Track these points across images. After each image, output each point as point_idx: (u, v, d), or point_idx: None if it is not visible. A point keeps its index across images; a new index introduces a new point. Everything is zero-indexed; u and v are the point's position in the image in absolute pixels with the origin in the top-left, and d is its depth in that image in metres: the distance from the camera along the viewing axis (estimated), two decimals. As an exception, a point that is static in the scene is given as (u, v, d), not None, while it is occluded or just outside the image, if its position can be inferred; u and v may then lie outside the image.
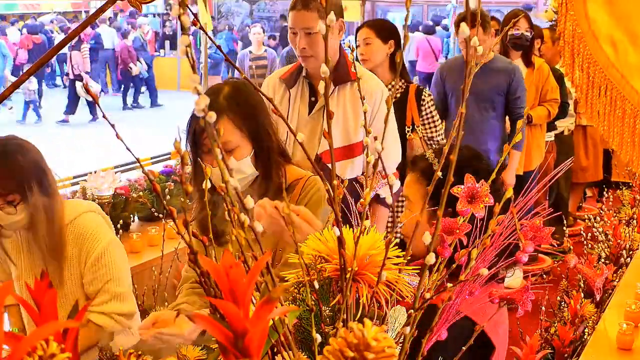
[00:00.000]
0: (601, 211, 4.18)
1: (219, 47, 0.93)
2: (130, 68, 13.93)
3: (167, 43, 17.47)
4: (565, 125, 5.36)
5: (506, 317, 1.62)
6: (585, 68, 1.47)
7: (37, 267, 2.25)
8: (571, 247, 3.33)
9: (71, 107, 12.44)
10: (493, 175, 0.95)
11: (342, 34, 2.74)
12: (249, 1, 18.94)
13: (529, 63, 4.64)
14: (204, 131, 1.77)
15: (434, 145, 3.39)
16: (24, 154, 2.12)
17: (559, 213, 1.89)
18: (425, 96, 3.39)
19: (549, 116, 4.68)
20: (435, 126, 3.43)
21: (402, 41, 3.37)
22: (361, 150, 2.77)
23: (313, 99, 2.75)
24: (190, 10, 0.73)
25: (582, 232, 3.76)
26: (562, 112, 4.90)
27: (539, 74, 4.66)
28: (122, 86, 14.38)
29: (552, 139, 5.13)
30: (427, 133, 3.41)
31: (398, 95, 3.37)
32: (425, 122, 3.40)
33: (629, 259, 3.19)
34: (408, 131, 3.35)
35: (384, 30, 3.46)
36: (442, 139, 3.44)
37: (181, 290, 2.05)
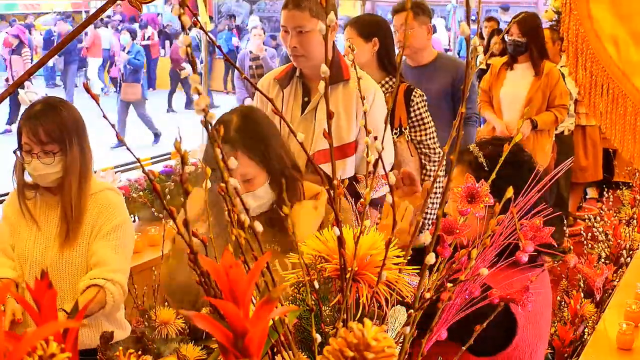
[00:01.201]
0: (601, 211, 4.18)
1: (219, 47, 0.92)
2: (180, 70, 13.61)
3: (166, 43, 17.47)
4: (565, 125, 5.35)
5: (541, 297, 1.59)
6: (588, 67, 1.49)
7: (54, 228, 2.27)
8: (571, 247, 3.32)
9: (12, 117, 11.06)
10: (492, 174, 0.95)
11: (335, 34, 2.71)
12: (249, 1, 18.94)
13: (537, 72, 4.54)
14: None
15: (423, 150, 3.18)
16: (67, 109, 2.23)
17: (559, 213, 1.89)
18: (414, 97, 3.16)
19: (555, 122, 4.61)
20: (425, 129, 3.18)
21: (388, 38, 3.31)
22: (353, 151, 2.75)
23: (306, 99, 2.74)
24: (190, 10, 0.73)
25: (582, 232, 3.76)
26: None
27: (547, 78, 4.54)
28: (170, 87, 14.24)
29: (553, 139, 5.11)
30: (416, 136, 3.17)
31: (387, 95, 3.11)
32: (415, 124, 3.18)
33: (629, 259, 3.19)
34: (396, 133, 3.13)
35: (365, 28, 3.26)
36: (434, 143, 3.20)
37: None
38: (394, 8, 3.81)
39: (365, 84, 2.71)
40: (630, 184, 4.89)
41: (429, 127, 3.22)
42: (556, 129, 5.14)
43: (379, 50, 3.23)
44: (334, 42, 2.76)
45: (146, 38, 16.31)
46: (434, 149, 3.22)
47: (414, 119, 3.18)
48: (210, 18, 15.88)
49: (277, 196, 1.93)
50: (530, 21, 4.57)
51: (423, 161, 3.22)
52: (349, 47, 0.99)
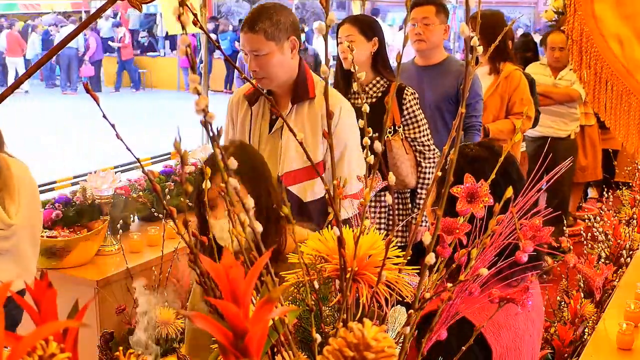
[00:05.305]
0: (601, 211, 4.18)
1: (219, 47, 0.92)
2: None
3: (167, 43, 17.48)
4: (572, 129, 5.31)
5: (514, 322, 1.55)
6: (593, 64, 1.51)
7: None
8: (571, 247, 3.32)
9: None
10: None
11: (296, 52, 2.62)
12: (249, 1, 18.94)
13: (493, 69, 4.19)
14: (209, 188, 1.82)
15: (417, 147, 3.19)
16: None
17: (558, 213, 1.89)
18: (406, 94, 3.14)
19: (513, 132, 4.08)
20: (418, 126, 3.19)
21: (383, 40, 3.28)
22: (322, 171, 2.68)
23: (274, 117, 2.70)
24: (190, 10, 0.73)
25: (582, 232, 3.76)
26: (535, 122, 4.55)
27: (506, 82, 4.16)
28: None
29: (524, 149, 4.89)
30: (409, 134, 3.18)
31: (379, 94, 3.16)
32: (408, 122, 3.18)
33: (629, 259, 3.19)
34: (390, 131, 3.13)
35: (368, 27, 3.20)
36: (428, 140, 3.21)
37: None
38: (415, 1, 3.63)
39: (331, 100, 2.64)
40: (630, 184, 4.89)
41: (422, 125, 3.21)
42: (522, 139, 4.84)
43: (376, 50, 3.19)
44: (301, 59, 2.68)
45: (118, 39, 16.10)
46: (427, 146, 3.22)
47: (407, 117, 3.18)
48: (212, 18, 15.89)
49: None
50: (487, 19, 3.95)
51: (418, 159, 3.21)
52: (349, 46, 0.99)
